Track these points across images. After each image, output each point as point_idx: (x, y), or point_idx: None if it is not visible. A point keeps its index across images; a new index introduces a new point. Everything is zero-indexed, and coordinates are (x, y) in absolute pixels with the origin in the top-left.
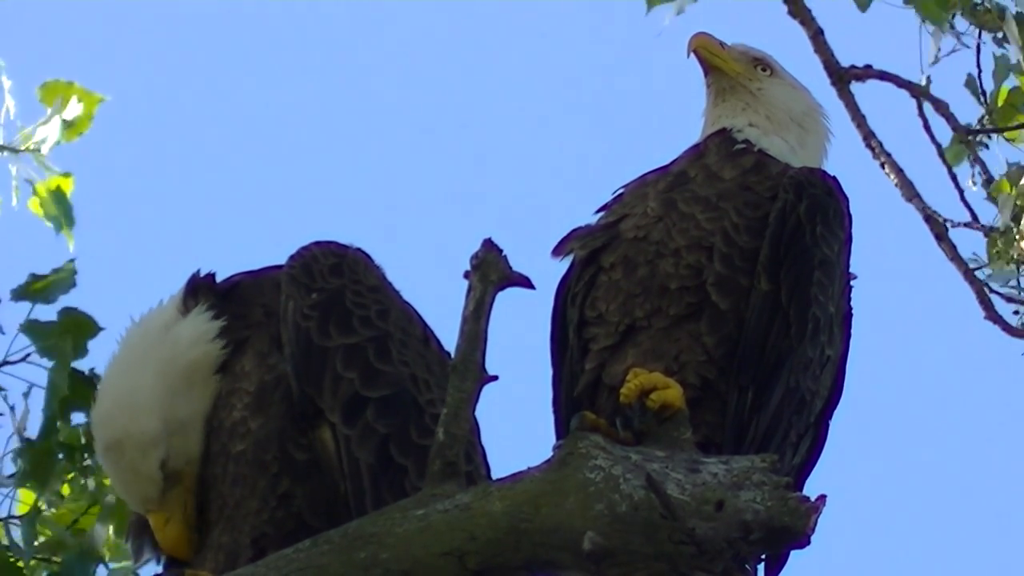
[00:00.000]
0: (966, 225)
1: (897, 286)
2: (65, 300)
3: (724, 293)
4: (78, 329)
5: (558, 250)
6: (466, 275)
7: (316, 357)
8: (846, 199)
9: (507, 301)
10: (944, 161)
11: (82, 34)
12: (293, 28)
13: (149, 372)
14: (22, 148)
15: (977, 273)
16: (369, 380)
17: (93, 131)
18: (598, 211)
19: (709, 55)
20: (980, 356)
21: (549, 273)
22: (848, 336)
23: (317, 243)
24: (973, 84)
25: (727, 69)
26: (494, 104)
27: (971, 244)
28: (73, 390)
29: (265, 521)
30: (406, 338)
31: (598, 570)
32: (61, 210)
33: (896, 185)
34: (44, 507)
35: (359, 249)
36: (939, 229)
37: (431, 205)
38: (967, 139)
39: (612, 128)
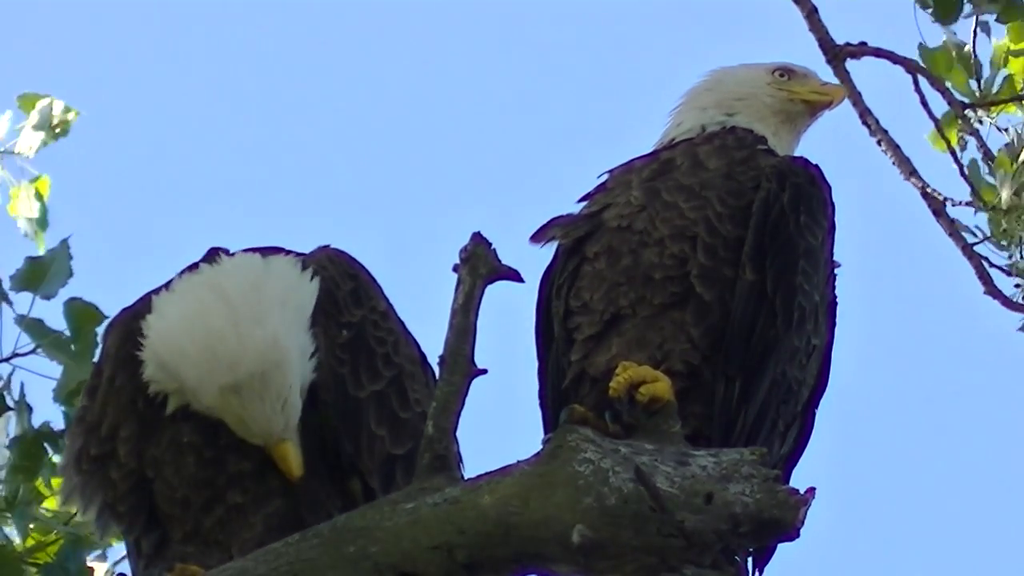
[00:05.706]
0: (967, 204)
1: (895, 263)
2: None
3: (708, 284)
4: (83, 320)
5: (537, 237)
6: (455, 268)
7: (352, 412)
8: (829, 187)
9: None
10: (943, 136)
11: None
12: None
13: (270, 303)
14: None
15: (978, 248)
16: (396, 435)
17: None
18: (581, 200)
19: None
20: (980, 331)
21: (539, 266)
22: (833, 325)
23: (327, 256)
24: (967, 60)
25: None
26: (482, 94)
27: (970, 219)
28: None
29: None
30: (413, 368)
31: (587, 563)
32: (38, 213)
33: (893, 162)
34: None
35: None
36: (936, 205)
37: (421, 196)
38: (963, 114)
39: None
